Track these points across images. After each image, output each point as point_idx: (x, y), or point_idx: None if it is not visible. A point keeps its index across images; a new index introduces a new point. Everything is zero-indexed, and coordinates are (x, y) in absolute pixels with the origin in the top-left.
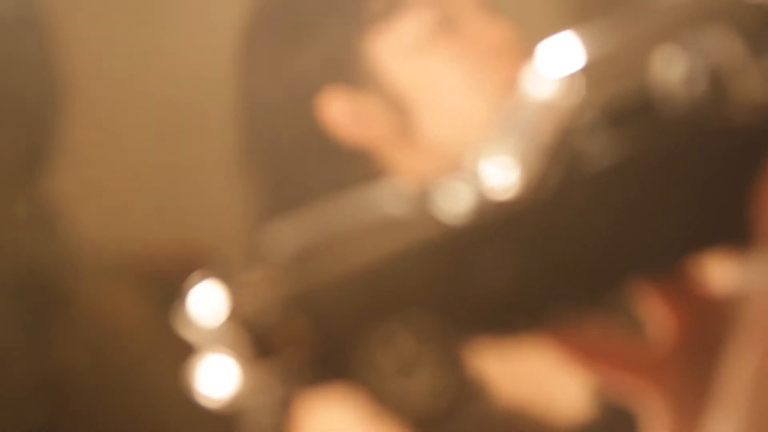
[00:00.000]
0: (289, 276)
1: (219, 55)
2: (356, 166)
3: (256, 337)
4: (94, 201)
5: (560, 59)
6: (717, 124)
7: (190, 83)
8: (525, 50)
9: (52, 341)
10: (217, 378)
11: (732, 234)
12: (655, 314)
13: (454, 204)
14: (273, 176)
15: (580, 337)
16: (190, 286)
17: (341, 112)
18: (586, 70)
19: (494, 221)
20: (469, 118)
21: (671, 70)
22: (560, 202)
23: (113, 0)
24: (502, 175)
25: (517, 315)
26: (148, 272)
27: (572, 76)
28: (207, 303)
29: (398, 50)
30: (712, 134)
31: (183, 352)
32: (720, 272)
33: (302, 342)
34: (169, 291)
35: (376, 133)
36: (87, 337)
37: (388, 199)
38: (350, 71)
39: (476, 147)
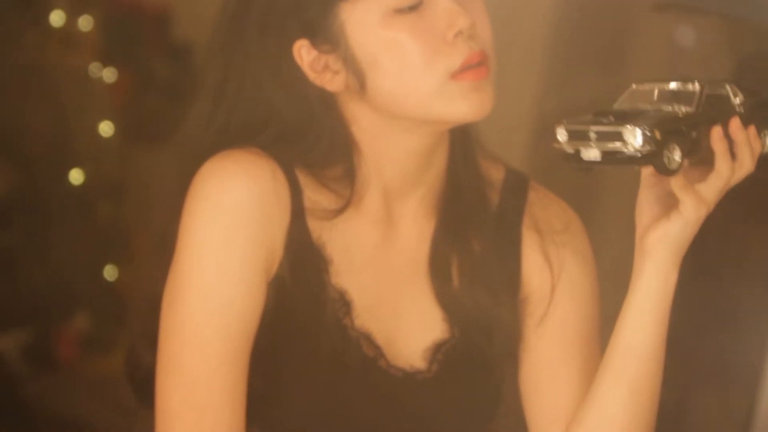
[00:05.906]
0: None
1: None
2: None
3: None
4: None
5: None
6: None
7: None
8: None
9: None
10: None
11: None
12: None
13: None
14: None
15: None
16: None
17: (312, 62)
18: None
19: None
20: (413, 88)
21: None
22: None
23: None
24: None
25: None
26: None
27: None
28: None
29: (364, 22)
30: None
31: None
32: None
33: None
34: None
35: (335, 85)
36: None
37: None
38: (325, 31)
39: None
